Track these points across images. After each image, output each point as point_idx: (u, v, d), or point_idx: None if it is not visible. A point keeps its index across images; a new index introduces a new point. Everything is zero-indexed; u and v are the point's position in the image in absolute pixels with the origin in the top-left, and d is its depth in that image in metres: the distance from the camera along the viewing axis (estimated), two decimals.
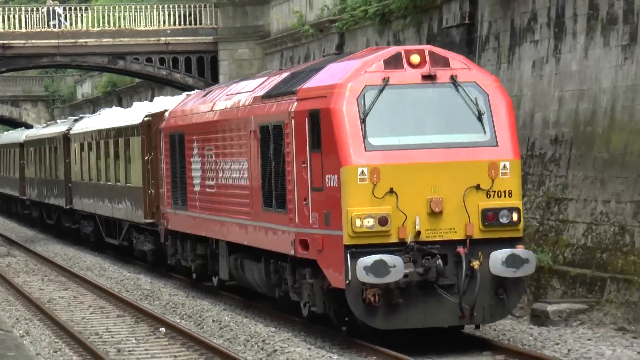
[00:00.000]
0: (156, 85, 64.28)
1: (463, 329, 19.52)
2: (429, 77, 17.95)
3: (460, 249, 17.38)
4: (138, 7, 62.77)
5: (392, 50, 19.47)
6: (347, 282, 17.21)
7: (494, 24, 30.83)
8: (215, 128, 24.28)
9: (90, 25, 62.00)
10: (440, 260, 17.36)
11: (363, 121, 17.73)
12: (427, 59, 18.26)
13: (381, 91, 17.73)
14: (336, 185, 17.72)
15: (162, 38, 59.16)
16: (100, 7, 67.09)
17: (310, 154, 18.97)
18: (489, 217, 17.66)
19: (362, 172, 17.14)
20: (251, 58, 57.17)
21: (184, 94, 31.18)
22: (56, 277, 37.13)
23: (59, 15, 60.81)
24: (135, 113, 29.48)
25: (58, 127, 44.42)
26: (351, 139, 17.71)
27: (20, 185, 49.76)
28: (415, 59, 18.11)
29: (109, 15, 62.19)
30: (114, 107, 50.12)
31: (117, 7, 64.04)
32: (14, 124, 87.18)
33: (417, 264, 17.31)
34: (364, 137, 17.68)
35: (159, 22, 60.76)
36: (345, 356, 18.73)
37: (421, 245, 17.41)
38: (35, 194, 45.85)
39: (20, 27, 59.19)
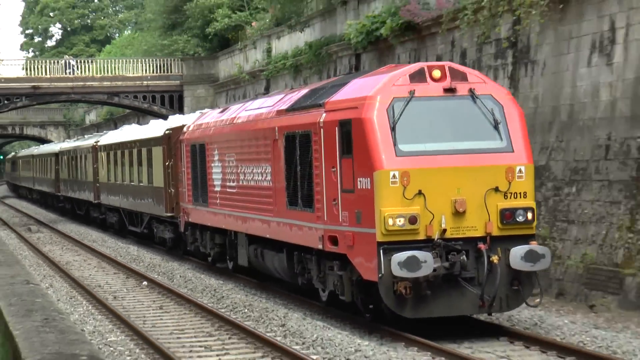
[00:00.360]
0: (140, 114, 75.22)
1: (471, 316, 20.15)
2: (450, 90, 18.35)
3: (481, 245, 17.54)
4: (128, 60, 75.91)
5: (417, 66, 19.59)
6: (379, 275, 17.12)
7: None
8: (237, 138, 25.41)
9: (94, 72, 72.87)
10: (464, 255, 17.50)
11: (393, 129, 17.80)
12: (448, 73, 18.59)
13: (408, 102, 17.97)
14: (369, 187, 17.69)
15: (145, 82, 70.26)
16: (102, 60, 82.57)
17: (340, 159, 18.90)
18: (507, 216, 17.76)
19: (394, 176, 17.34)
20: (206, 96, 69.00)
21: (198, 112, 34.25)
22: (72, 247, 43.99)
23: (73, 65, 73.28)
24: (156, 128, 32.82)
25: (87, 141, 49.93)
26: (382, 146, 17.75)
27: (56, 184, 58.49)
28: (436, 73, 18.47)
29: (107, 66, 74.78)
30: (125, 125, 56.67)
31: (113, 60, 77.97)
32: (41, 140, 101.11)
33: (443, 259, 17.38)
34: (394, 144, 17.75)
35: (143, 71, 71.44)
36: (366, 339, 18.47)
37: (446, 242, 17.53)
38: (67, 191, 54.51)
39: (45, 74, 70.73)
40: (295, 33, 53.32)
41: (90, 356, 8.64)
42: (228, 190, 26.19)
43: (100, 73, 74.00)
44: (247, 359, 17.65)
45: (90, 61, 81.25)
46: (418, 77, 18.68)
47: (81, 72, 73.90)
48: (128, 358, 18.05)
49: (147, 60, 74.17)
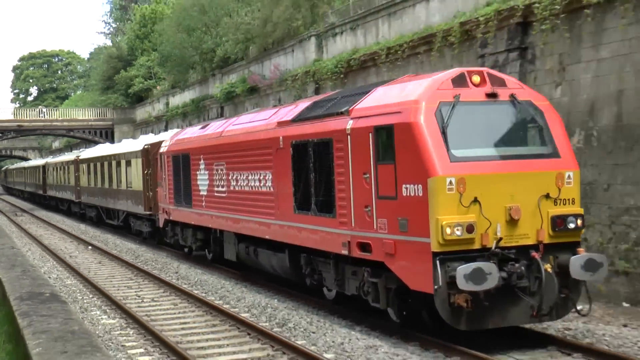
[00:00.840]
0: (87, 143, 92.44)
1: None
2: (492, 95, 16.46)
3: (535, 254, 15.38)
4: (79, 109, 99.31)
5: (457, 70, 17.21)
6: (435, 287, 14.74)
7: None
8: (227, 149, 24.61)
9: (58, 116, 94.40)
10: (520, 265, 15.34)
11: (443, 133, 15.55)
12: (487, 79, 16.68)
13: (454, 106, 15.92)
14: (419, 194, 15.40)
15: (89, 122, 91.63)
16: (63, 109, 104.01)
17: (376, 165, 16.55)
18: (558, 223, 15.84)
19: (450, 182, 15.21)
20: (127, 131, 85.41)
21: (170, 131, 37.97)
22: (44, 226, 52.09)
23: (44, 112, 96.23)
24: (133, 144, 36.10)
25: (69, 156, 56.43)
26: (435, 151, 15.31)
27: (43, 187, 68.73)
28: (476, 79, 16.59)
29: (66, 113, 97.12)
30: (98, 145, 66.08)
31: (70, 109, 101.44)
32: (24, 159, 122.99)
33: (501, 269, 15.14)
34: (447, 149, 15.46)
35: (88, 115, 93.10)
36: (399, 346, 16.18)
37: (501, 250, 15.36)
38: (52, 192, 63.67)
39: (26, 117, 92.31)
40: (183, 93, 71.07)
41: (51, 293, 13.82)
42: (216, 194, 25.81)
43: (62, 117, 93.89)
44: (154, 292, 24.20)
45: (55, 110, 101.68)
46: (460, 81, 16.46)
47: (50, 116, 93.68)
48: (78, 294, 23.48)
49: (91, 109, 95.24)
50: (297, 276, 20.27)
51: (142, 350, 15.51)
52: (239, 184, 23.78)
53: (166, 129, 64.36)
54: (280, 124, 20.99)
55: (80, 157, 48.39)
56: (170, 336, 16.47)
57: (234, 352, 15.25)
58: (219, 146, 25.32)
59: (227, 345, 15.90)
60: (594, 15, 24.96)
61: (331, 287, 19.03)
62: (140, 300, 21.59)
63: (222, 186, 25.02)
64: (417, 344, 16.24)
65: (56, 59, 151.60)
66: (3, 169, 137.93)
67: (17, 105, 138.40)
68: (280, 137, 20.84)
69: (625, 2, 23.59)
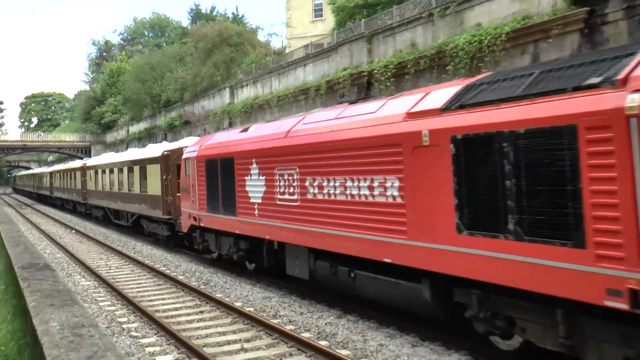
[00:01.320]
0: (71, 157, 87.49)
1: None
2: None
3: None
4: (67, 133, 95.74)
5: None
6: None
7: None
8: (302, 150, 13.94)
9: (52, 139, 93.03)
10: None
11: None
12: None
13: None
14: None
15: (74, 143, 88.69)
16: (55, 133, 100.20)
17: None
18: None
19: None
20: (100, 150, 79.08)
21: (189, 138, 29.15)
22: (44, 217, 47.09)
23: (42, 135, 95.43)
24: (149, 151, 27.81)
25: (76, 164, 49.11)
26: None
27: (50, 189, 61.69)
28: None
29: (58, 136, 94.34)
30: (104, 154, 58.99)
31: (61, 134, 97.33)
32: (27, 169, 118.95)
33: None
34: None
35: (73, 138, 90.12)
36: None
37: None
38: (58, 193, 55.63)
39: (29, 139, 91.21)
40: (139, 123, 69.46)
41: (45, 264, 13.40)
42: (279, 202, 15.47)
43: (54, 139, 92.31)
44: (93, 247, 25.14)
45: (49, 133, 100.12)
46: None
47: (46, 138, 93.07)
48: (65, 264, 22.21)
49: (74, 134, 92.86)
50: (445, 313, 10.25)
51: (108, 303, 15.30)
52: (323, 191, 13.16)
53: (127, 148, 62.81)
54: (418, 114, 10.10)
55: (87, 164, 42.37)
56: (126, 289, 16.35)
57: (173, 303, 15.11)
58: (285, 148, 15.16)
59: (168, 297, 15.71)
60: (412, 79, 25.75)
61: (550, 344, 8.43)
62: (108, 268, 21.15)
63: (291, 194, 14.81)
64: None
65: (51, 98, 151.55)
66: (13, 175, 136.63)
67: (23, 130, 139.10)
68: (424, 132, 10.17)
69: (430, 72, 24.42)
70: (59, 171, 55.75)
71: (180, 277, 17.53)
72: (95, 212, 39.29)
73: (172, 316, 12.77)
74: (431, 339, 10.31)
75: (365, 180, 11.44)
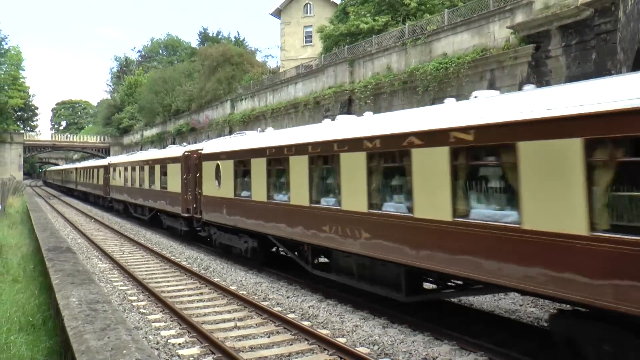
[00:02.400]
0: (92, 156, 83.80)
1: None
2: None
3: None
4: (91, 136, 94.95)
5: None
6: None
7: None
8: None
9: (78, 139, 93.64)
10: None
11: None
12: None
13: None
14: None
15: (96, 144, 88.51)
16: (80, 135, 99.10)
17: None
18: None
19: None
20: (118, 151, 79.25)
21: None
22: (69, 207, 44.54)
23: (69, 137, 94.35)
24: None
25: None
26: None
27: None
28: None
29: (83, 138, 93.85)
30: (116, 155, 57.49)
31: (85, 136, 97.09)
32: (55, 165, 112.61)
33: None
34: None
35: (95, 140, 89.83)
36: None
37: None
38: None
39: (58, 139, 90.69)
40: (152, 129, 68.73)
41: (67, 247, 13.33)
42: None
43: (79, 140, 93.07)
44: (109, 235, 24.66)
45: (75, 135, 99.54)
46: None
47: (72, 139, 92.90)
48: (84, 248, 21.29)
49: (96, 136, 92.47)
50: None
51: (121, 283, 15.05)
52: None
53: (141, 150, 59.94)
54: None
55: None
56: (137, 272, 16.03)
57: (177, 285, 14.80)
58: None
59: (173, 280, 15.35)
60: (387, 98, 25.74)
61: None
62: (121, 253, 20.51)
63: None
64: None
65: (77, 105, 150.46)
66: (44, 170, 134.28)
67: (53, 131, 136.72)
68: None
69: (403, 92, 24.39)
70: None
71: (184, 263, 17.28)
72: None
73: (175, 296, 12.62)
74: (399, 322, 10.18)
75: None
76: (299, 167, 12.61)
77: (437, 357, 8.33)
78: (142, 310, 11.34)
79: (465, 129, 8.30)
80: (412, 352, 8.53)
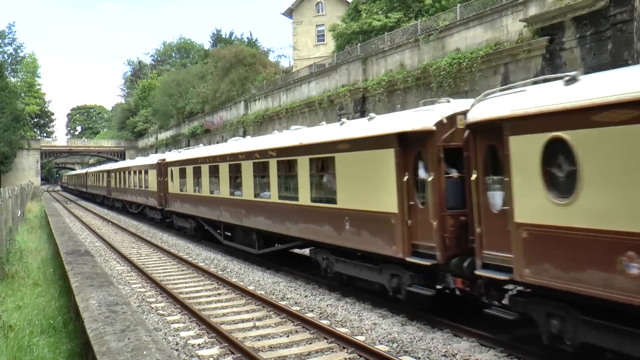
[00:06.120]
0: (109, 159, 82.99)
1: None
2: None
3: None
4: (105, 140, 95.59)
5: None
6: None
7: None
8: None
9: (93, 144, 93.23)
10: None
11: None
12: None
13: None
14: None
15: (111, 148, 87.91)
16: (96, 140, 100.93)
17: None
18: None
19: None
20: (134, 155, 75.01)
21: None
22: (84, 210, 44.40)
23: (85, 141, 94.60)
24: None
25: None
26: None
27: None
28: None
29: (98, 142, 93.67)
30: (131, 159, 57.89)
31: (100, 140, 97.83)
32: (72, 170, 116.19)
33: None
34: None
35: (110, 144, 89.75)
36: None
37: None
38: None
39: (74, 144, 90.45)
40: (166, 132, 68.91)
41: (85, 250, 13.38)
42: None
43: (95, 144, 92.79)
44: (126, 237, 25.39)
45: (91, 140, 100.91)
46: None
47: (88, 144, 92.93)
48: (102, 251, 21.65)
49: (111, 140, 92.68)
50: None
51: (139, 285, 15.12)
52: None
53: (155, 152, 64.35)
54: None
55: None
56: (154, 274, 16.12)
57: (195, 286, 14.80)
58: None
59: (190, 281, 15.34)
60: (402, 94, 25.64)
61: None
62: (139, 255, 20.79)
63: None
64: None
65: (92, 110, 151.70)
66: (60, 175, 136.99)
67: (69, 137, 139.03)
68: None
69: (417, 89, 24.27)
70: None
71: (201, 264, 17.37)
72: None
73: (193, 297, 12.68)
74: (418, 319, 10.13)
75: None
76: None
77: (456, 353, 8.26)
78: (160, 312, 11.40)
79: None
80: (431, 349, 8.48)
